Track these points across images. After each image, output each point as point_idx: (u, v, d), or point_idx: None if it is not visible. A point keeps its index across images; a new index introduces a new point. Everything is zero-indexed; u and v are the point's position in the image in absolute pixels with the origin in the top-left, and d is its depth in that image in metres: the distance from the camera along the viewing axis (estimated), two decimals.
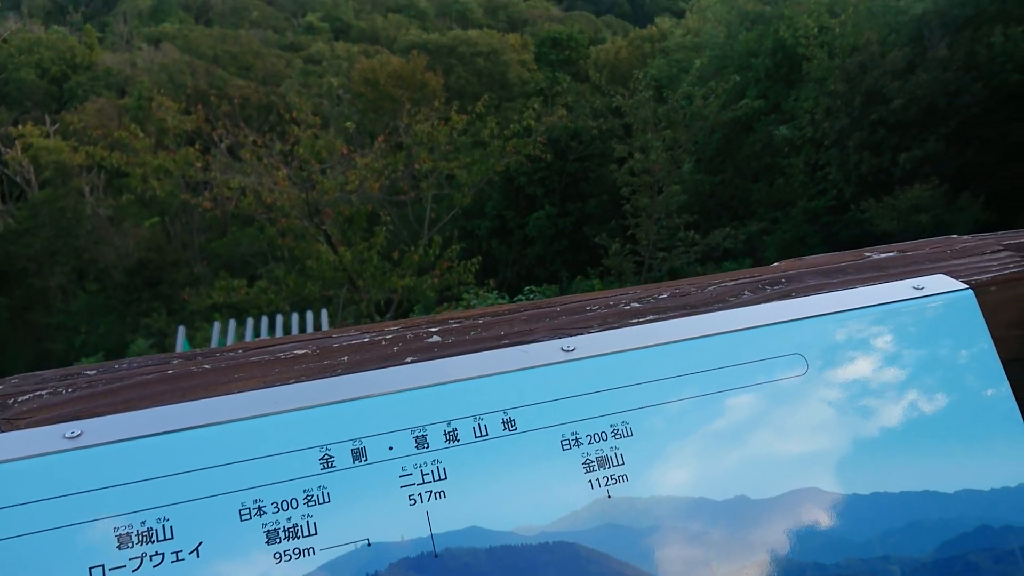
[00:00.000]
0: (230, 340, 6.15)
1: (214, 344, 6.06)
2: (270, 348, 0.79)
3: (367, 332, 0.83)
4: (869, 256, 1.03)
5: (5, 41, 60.22)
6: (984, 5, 19.74)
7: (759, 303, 0.89)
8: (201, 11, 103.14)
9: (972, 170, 18.88)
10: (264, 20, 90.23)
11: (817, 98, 21.22)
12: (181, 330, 5.77)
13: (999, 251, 1.03)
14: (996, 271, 0.98)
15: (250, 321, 6.42)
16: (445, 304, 14.58)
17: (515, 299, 16.43)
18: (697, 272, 17.43)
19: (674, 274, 17.17)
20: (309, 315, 6.30)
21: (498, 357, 0.78)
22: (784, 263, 1.02)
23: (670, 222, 15.96)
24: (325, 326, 6.57)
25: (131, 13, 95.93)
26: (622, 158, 16.76)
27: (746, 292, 0.92)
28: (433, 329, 0.83)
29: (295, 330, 6.30)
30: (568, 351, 0.79)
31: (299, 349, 0.79)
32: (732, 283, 0.94)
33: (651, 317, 0.86)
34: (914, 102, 18.08)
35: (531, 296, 16.32)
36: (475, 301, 14.41)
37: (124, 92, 51.80)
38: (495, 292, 14.91)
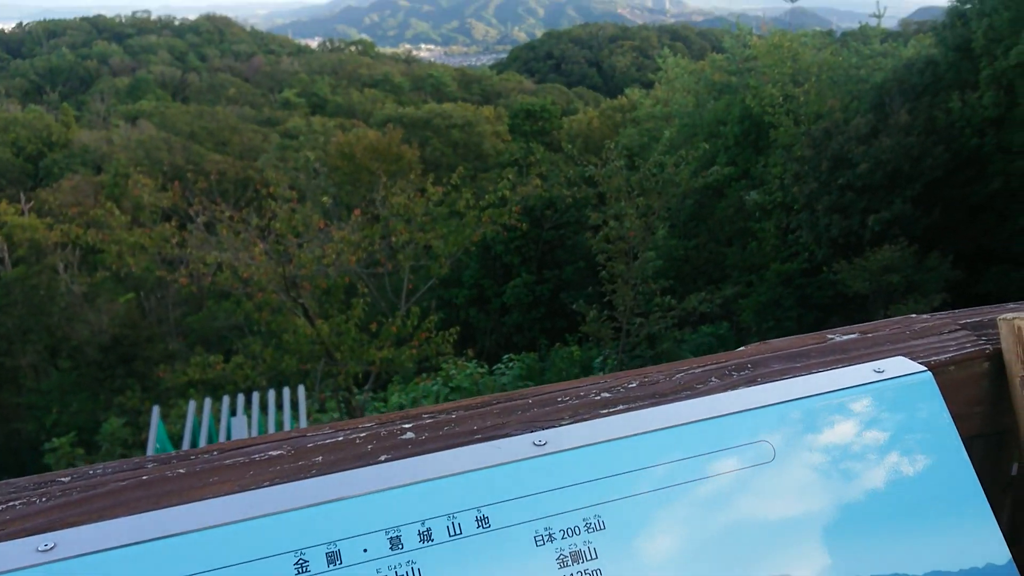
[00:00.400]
0: (205, 419, 6.07)
1: (189, 423, 5.97)
2: (245, 449, 0.80)
3: (341, 430, 0.84)
4: (832, 338, 1.06)
5: None
6: (940, 73, 20.51)
7: (726, 390, 0.92)
8: (178, 89, 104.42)
9: (939, 230, 19.32)
10: (241, 96, 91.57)
11: (785, 164, 21.75)
12: (155, 410, 5.70)
13: (956, 330, 1.07)
14: (954, 351, 1.02)
15: (226, 399, 6.36)
16: (424, 375, 14.51)
17: (494, 368, 16.38)
18: (675, 336, 17.51)
19: (652, 339, 17.22)
20: (286, 391, 6.24)
21: (471, 453, 0.79)
22: (750, 347, 1.04)
23: (646, 288, 16.07)
24: (302, 403, 6.51)
25: (108, 91, 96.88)
26: (597, 226, 16.95)
27: (713, 379, 0.94)
28: (407, 425, 0.85)
29: (271, 407, 6.24)
30: (540, 445, 0.80)
31: (274, 450, 0.80)
32: (700, 370, 0.96)
33: (621, 407, 0.88)
34: (879, 166, 18.57)
35: (510, 365, 16.28)
36: (454, 371, 14.36)
37: (100, 169, 52.01)
38: (474, 362, 14.88)
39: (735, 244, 23.23)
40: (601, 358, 16.54)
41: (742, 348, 1.05)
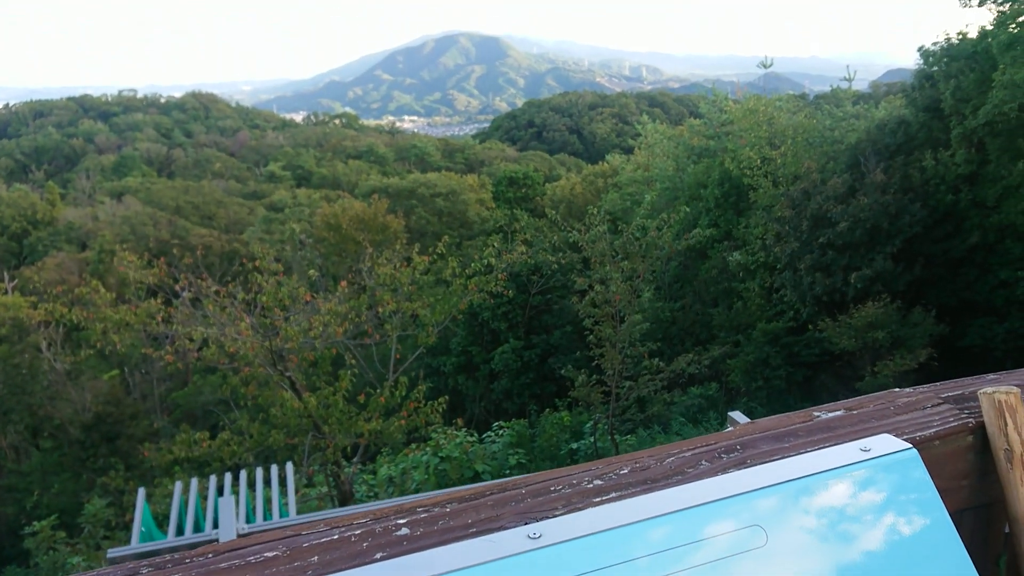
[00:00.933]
0: (192, 499, 5.97)
1: (175, 504, 5.86)
2: (240, 551, 0.80)
3: (336, 527, 0.84)
4: (818, 416, 1.07)
5: None
6: (912, 132, 21.04)
7: (717, 473, 0.93)
8: (164, 165, 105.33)
9: (921, 285, 19.56)
10: (227, 171, 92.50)
11: (766, 224, 22.06)
12: (141, 492, 5.58)
13: (939, 404, 1.09)
14: (938, 425, 1.03)
15: (213, 477, 6.25)
16: (413, 445, 14.33)
17: (484, 436, 16.21)
18: (664, 398, 17.44)
19: (642, 402, 17.15)
20: (274, 468, 6.14)
21: (467, 549, 0.79)
22: (739, 428, 1.06)
23: (634, 351, 16.06)
24: (290, 480, 6.42)
25: (94, 169, 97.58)
26: (583, 290, 17.04)
27: (703, 462, 0.95)
28: (402, 520, 0.85)
29: (259, 485, 6.15)
30: (535, 538, 0.80)
31: (269, 551, 0.80)
32: (690, 453, 0.98)
33: (614, 495, 0.88)
34: (858, 224, 18.86)
35: (500, 433, 16.13)
36: (443, 440, 14.20)
37: (85, 246, 52.07)
38: (463, 431, 14.73)
39: (721, 304, 23.36)
40: (591, 423, 16.42)
41: (730, 428, 1.06)
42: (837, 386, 19.34)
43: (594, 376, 15.96)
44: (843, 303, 18.87)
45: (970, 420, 1.06)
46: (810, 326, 19.70)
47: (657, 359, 16.15)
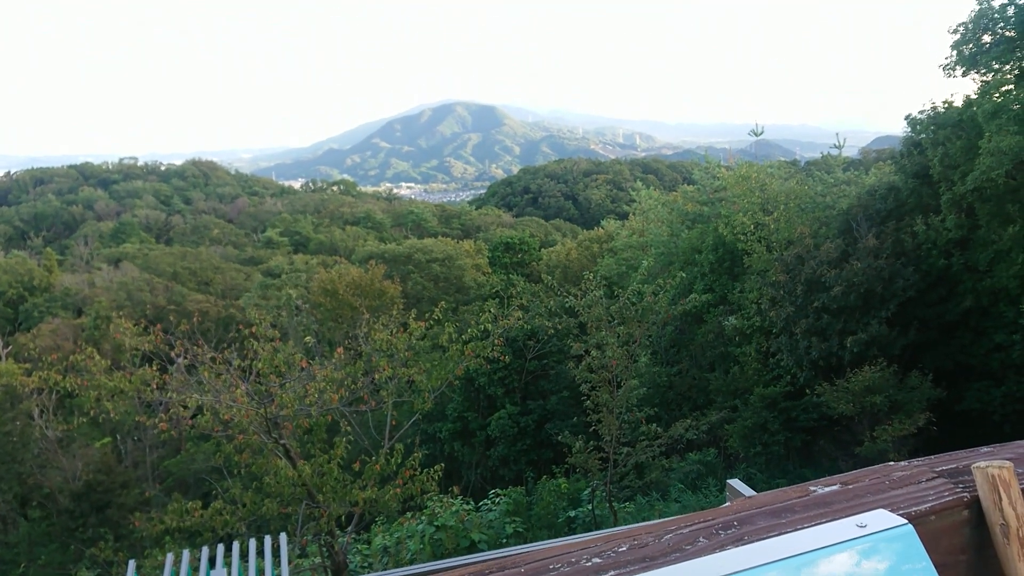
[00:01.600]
0: (183, 571, 5.83)
1: None
2: None
3: None
4: (814, 491, 1.08)
5: None
6: (903, 198, 21.35)
7: (715, 550, 0.93)
8: (163, 231, 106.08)
9: (917, 349, 19.58)
10: (224, 237, 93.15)
11: (761, 289, 22.18)
12: (131, 565, 5.44)
13: (934, 478, 1.09)
14: (933, 500, 1.04)
15: (205, 549, 6.12)
16: (409, 514, 14.10)
17: (480, 504, 15.97)
18: (662, 465, 17.25)
19: (640, 468, 16.96)
20: (267, 540, 6.02)
21: None
22: (736, 503, 1.06)
23: (631, 416, 15.97)
24: (284, 552, 6.29)
25: (92, 235, 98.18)
26: (579, 355, 17.02)
27: (701, 539, 0.96)
28: None
29: (252, 557, 6.01)
30: None
31: None
32: (688, 529, 0.98)
33: (612, 573, 0.89)
34: (852, 288, 18.98)
35: (496, 501, 15.90)
36: (439, 509, 13.98)
37: (81, 312, 52.01)
38: (459, 499, 14.53)
39: (717, 369, 23.31)
40: (589, 490, 16.21)
41: (728, 503, 1.07)
42: (836, 451, 19.18)
43: (591, 442, 15.83)
44: (840, 367, 18.85)
45: (965, 494, 1.07)
46: (807, 391, 19.64)
47: (655, 425, 16.06)
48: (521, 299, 29.48)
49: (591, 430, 16.21)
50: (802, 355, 19.87)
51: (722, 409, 20.58)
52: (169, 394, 10.20)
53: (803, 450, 20.32)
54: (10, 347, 37.45)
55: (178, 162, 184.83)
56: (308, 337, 14.99)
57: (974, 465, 1.07)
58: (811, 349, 19.48)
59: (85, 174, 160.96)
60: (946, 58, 20.26)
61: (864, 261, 19.25)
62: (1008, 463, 1.04)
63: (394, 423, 13.40)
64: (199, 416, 10.47)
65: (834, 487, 1.09)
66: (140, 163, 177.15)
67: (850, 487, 1.09)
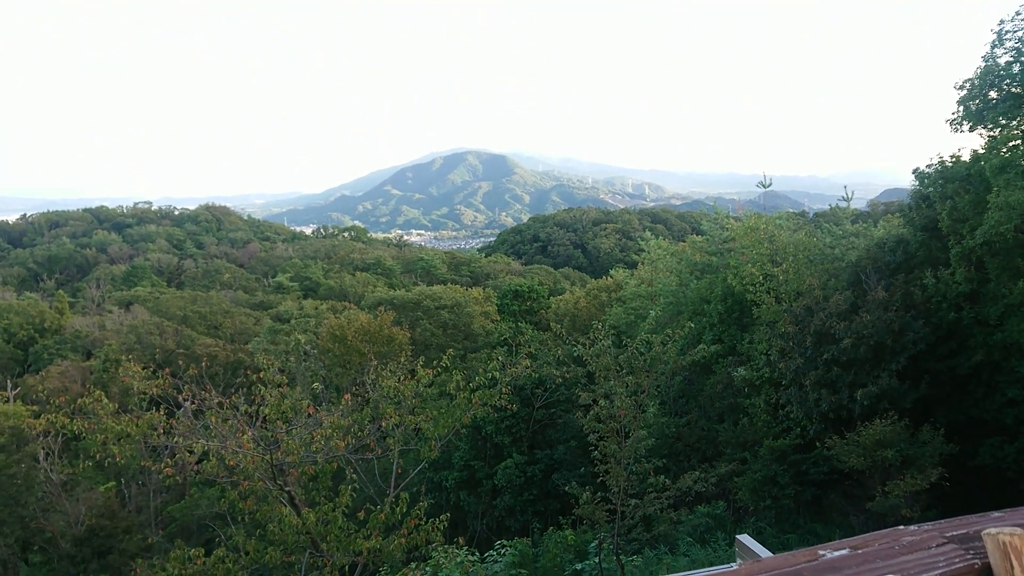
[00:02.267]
0: None
1: None
2: None
3: None
4: (823, 555, 1.07)
5: None
6: (912, 251, 21.34)
7: None
8: (174, 275, 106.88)
9: (928, 403, 19.35)
10: (235, 281, 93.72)
11: (770, 340, 22.07)
12: None
13: (943, 544, 1.09)
14: (943, 567, 1.03)
15: None
16: (413, 564, 13.91)
17: (485, 555, 15.75)
18: (671, 517, 16.99)
19: (648, 521, 16.71)
20: None
21: None
22: (745, 567, 1.05)
23: (639, 467, 15.80)
24: None
25: (105, 278, 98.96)
26: (587, 405, 16.91)
27: None
28: None
29: None
30: None
31: None
32: None
33: None
34: (862, 341, 18.86)
35: (502, 552, 15.67)
36: (444, 560, 13.79)
37: (91, 354, 52.13)
38: (464, 549, 14.35)
39: (727, 420, 23.10)
40: (596, 542, 15.97)
41: (737, 567, 1.07)
42: (847, 506, 18.87)
43: (599, 494, 15.64)
44: (850, 420, 18.65)
45: (976, 561, 1.06)
46: (817, 443, 19.40)
47: (663, 476, 15.87)
48: (529, 347, 29.44)
49: (599, 481, 16.03)
50: (812, 407, 19.68)
51: (731, 461, 20.34)
52: (175, 439, 10.19)
53: (814, 504, 20.00)
54: (18, 389, 37.49)
55: (192, 207, 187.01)
56: (316, 383, 14.96)
57: (985, 532, 1.07)
58: (821, 401, 19.30)
59: (100, 218, 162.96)
60: (953, 113, 20.43)
61: (874, 313, 19.17)
62: (1020, 530, 1.03)
63: (400, 471, 13.31)
64: (205, 461, 10.44)
65: (843, 551, 1.08)
66: (154, 207, 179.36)
67: (860, 552, 1.08)
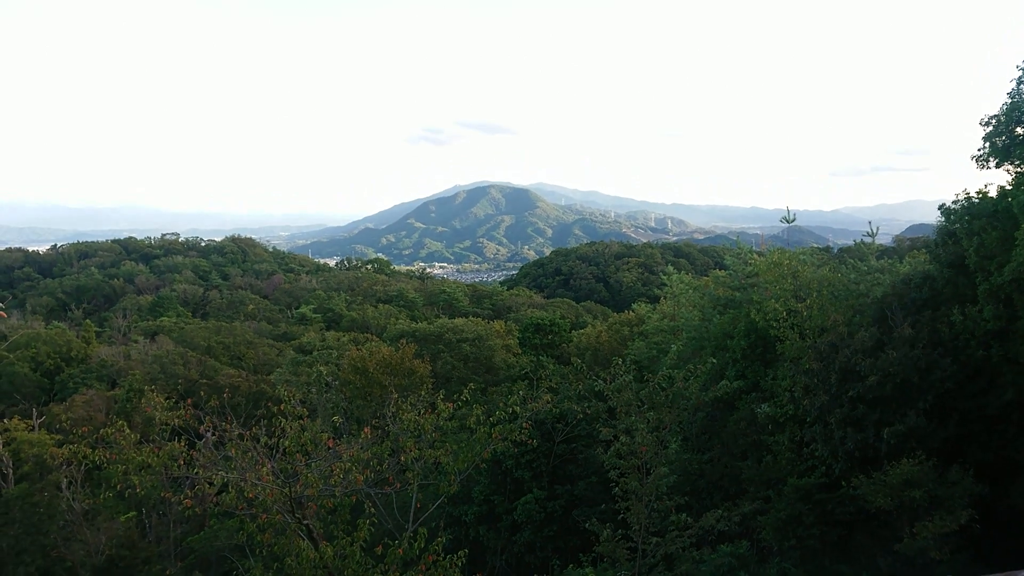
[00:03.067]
0: None
1: None
2: None
3: None
4: None
5: (4, 338, 62.01)
6: (938, 288, 21.08)
7: None
8: (199, 305, 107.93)
9: (957, 442, 18.97)
10: (259, 312, 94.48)
11: (794, 376, 21.82)
12: None
13: None
14: None
15: None
16: None
17: None
18: (693, 556, 16.71)
19: (669, 560, 16.45)
20: None
21: None
22: None
23: (661, 505, 15.62)
24: None
25: (131, 308, 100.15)
26: (608, 440, 16.79)
27: None
28: None
29: None
30: None
31: None
32: None
33: None
34: (888, 378, 18.59)
35: None
36: None
37: (115, 384, 52.58)
38: None
39: (750, 457, 22.77)
40: None
41: None
42: (874, 547, 18.47)
43: (620, 531, 15.45)
44: (877, 459, 18.32)
45: None
46: (843, 482, 19.05)
47: (685, 514, 15.66)
48: (551, 381, 29.33)
49: (619, 518, 15.85)
50: (837, 445, 19.37)
51: (755, 499, 20.03)
52: (195, 470, 10.23)
53: (840, 545, 19.60)
54: (43, 417, 37.82)
55: (218, 238, 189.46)
56: (336, 416, 15.00)
57: None
58: (846, 439, 18.99)
59: (128, 249, 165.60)
60: (979, 149, 20.31)
61: (900, 351, 18.91)
62: None
63: (419, 505, 13.24)
64: (224, 493, 10.45)
65: None
66: (181, 239, 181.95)
67: None
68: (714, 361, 21.33)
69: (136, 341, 66.07)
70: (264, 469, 10.09)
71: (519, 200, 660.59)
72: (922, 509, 16.93)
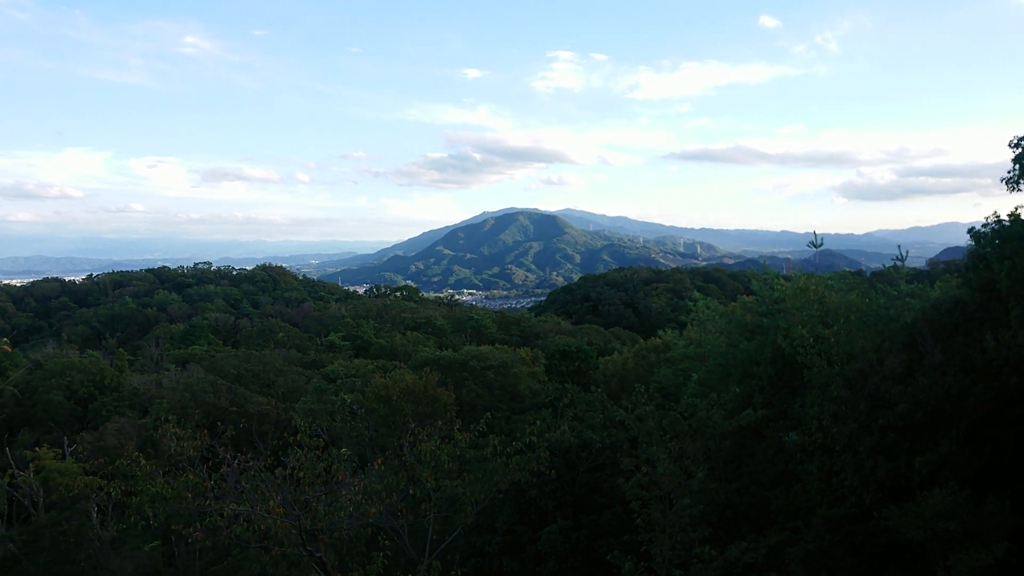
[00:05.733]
0: None
1: None
2: None
3: None
4: None
5: (40, 366, 62.99)
6: (970, 313, 20.58)
7: None
8: (230, 333, 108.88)
9: (993, 472, 18.39)
10: (289, 340, 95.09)
11: (822, 404, 21.35)
12: None
13: None
14: None
15: None
16: None
17: None
18: None
19: None
20: None
21: None
22: None
23: (684, 536, 15.29)
24: None
25: (164, 336, 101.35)
26: (630, 470, 16.52)
27: None
28: None
29: None
30: None
31: None
32: None
33: None
34: (919, 406, 18.12)
35: None
36: None
37: (146, 411, 53.10)
38: None
39: (778, 487, 22.27)
40: None
41: None
42: None
43: (642, 564, 15.15)
44: (908, 489, 17.81)
45: None
46: (874, 513, 18.53)
47: (708, 547, 15.31)
48: (575, 408, 29.04)
49: (642, 550, 15.55)
50: (867, 475, 18.86)
51: (783, 531, 19.55)
52: (207, 501, 10.20)
53: None
54: (74, 446, 38.23)
55: (249, 267, 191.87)
56: (345, 449, 14.95)
57: None
58: (877, 469, 18.49)
59: (162, 278, 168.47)
60: (1008, 172, 19.90)
61: (931, 378, 18.44)
62: None
63: (435, 537, 13.08)
64: (236, 525, 10.40)
65: None
66: (213, 268, 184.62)
67: None
68: (737, 390, 20.96)
69: (168, 369, 66.74)
70: (272, 502, 10.03)
71: (547, 226, 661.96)
72: (956, 541, 16.38)
